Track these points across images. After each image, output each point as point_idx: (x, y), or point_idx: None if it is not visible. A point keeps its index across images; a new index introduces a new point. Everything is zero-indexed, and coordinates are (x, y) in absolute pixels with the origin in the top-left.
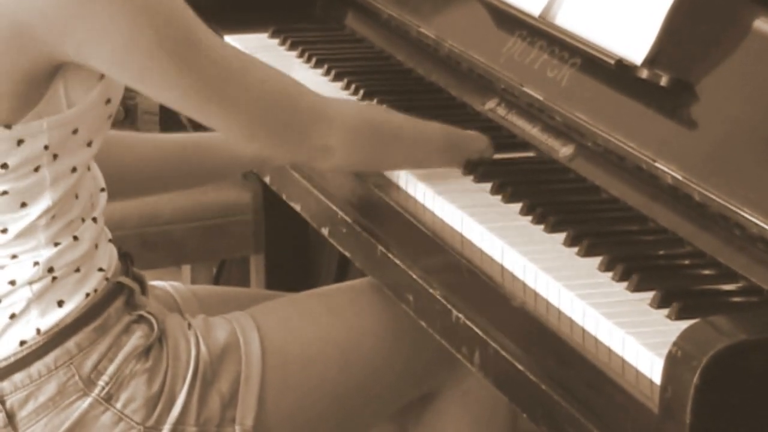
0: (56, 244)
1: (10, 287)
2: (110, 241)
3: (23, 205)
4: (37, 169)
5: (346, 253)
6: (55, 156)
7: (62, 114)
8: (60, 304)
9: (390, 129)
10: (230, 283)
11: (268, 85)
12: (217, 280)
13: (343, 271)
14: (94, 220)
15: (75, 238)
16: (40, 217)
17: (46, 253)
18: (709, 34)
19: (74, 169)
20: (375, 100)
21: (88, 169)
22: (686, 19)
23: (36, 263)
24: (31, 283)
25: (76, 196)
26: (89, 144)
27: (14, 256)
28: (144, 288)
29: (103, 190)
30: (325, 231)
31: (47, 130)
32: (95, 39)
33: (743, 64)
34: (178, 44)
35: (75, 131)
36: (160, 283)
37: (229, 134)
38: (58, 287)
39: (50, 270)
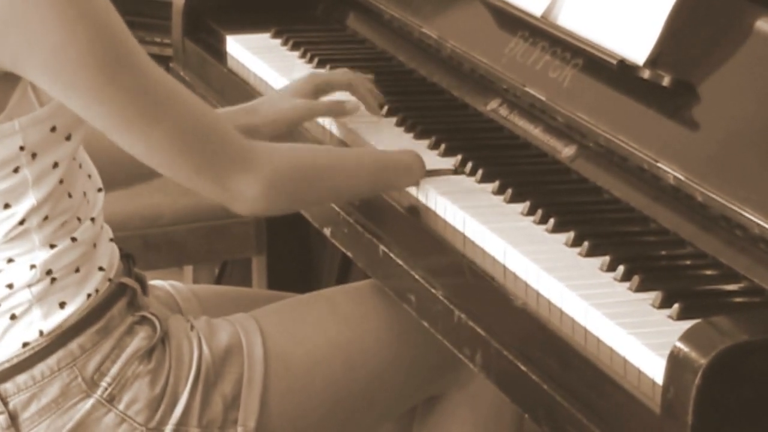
0: (52, 246)
1: (8, 290)
2: (111, 240)
3: (6, 206)
4: (16, 170)
5: (348, 254)
6: (33, 155)
7: (35, 113)
8: (62, 305)
9: (332, 172)
10: (232, 284)
11: (197, 119)
12: (219, 281)
13: (345, 272)
14: (92, 220)
15: (73, 239)
16: (27, 217)
17: (42, 256)
18: (711, 35)
19: (56, 165)
20: None
21: (80, 166)
22: (688, 20)
23: (33, 266)
24: (30, 285)
25: (69, 195)
26: (68, 138)
27: (10, 260)
28: (145, 288)
29: (100, 190)
30: (327, 232)
31: (20, 131)
32: (28, 46)
33: (745, 65)
34: (109, 59)
35: (53, 128)
36: (159, 283)
37: (149, 161)
38: (59, 288)
39: (48, 272)
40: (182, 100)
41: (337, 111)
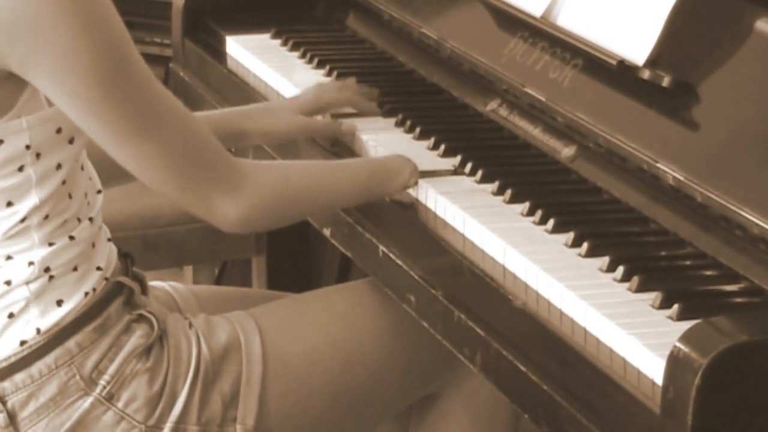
0: (51, 244)
1: (6, 287)
2: (110, 240)
3: (9, 204)
4: (21, 169)
5: (348, 254)
6: (38, 155)
7: (42, 112)
8: (59, 303)
9: (320, 193)
10: (232, 285)
11: (189, 139)
12: (218, 282)
13: (345, 272)
14: (91, 220)
15: (71, 237)
16: (29, 215)
17: (40, 253)
18: (711, 35)
19: (59, 166)
20: None
21: (82, 168)
22: (688, 20)
23: (31, 263)
24: (27, 282)
25: (70, 196)
26: (71, 141)
27: (9, 257)
28: (144, 287)
29: (99, 191)
30: (326, 232)
31: (27, 129)
32: (34, 52)
33: (745, 65)
34: (109, 74)
35: (59, 130)
36: (159, 283)
37: (140, 176)
38: (56, 286)
39: (46, 270)
40: (177, 118)
41: (334, 131)
